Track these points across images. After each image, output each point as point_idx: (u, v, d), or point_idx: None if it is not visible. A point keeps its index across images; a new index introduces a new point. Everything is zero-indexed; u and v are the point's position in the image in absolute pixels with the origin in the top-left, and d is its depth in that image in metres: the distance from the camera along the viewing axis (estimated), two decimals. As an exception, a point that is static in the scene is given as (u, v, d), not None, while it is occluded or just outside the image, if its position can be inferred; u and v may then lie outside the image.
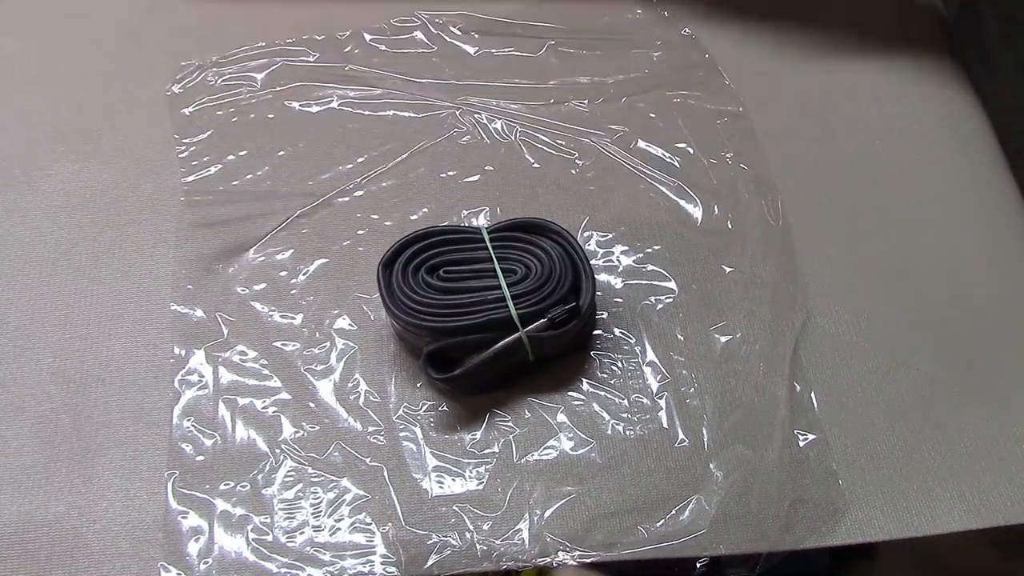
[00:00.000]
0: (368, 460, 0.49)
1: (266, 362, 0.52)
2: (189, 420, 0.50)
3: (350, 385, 0.51)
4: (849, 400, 0.51)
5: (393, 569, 0.46)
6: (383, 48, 0.63)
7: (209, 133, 0.59)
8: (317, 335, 0.52)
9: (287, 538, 0.46)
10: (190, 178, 0.57)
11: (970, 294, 0.55)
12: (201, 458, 0.49)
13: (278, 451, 0.49)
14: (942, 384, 0.52)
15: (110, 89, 0.62)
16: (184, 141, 0.59)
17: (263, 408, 0.50)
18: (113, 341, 0.52)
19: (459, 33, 0.64)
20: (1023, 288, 0.55)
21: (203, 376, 0.51)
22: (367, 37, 0.63)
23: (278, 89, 0.61)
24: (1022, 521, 0.48)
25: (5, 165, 0.58)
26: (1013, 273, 0.56)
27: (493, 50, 0.63)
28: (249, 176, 0.58)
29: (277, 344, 0.52)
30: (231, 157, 0.58)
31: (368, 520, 0.47)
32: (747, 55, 0.64)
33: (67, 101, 0.61)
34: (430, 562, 0.46)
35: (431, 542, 0.46)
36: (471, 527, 0.47)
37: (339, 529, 0.47)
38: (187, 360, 0.52)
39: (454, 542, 0.46)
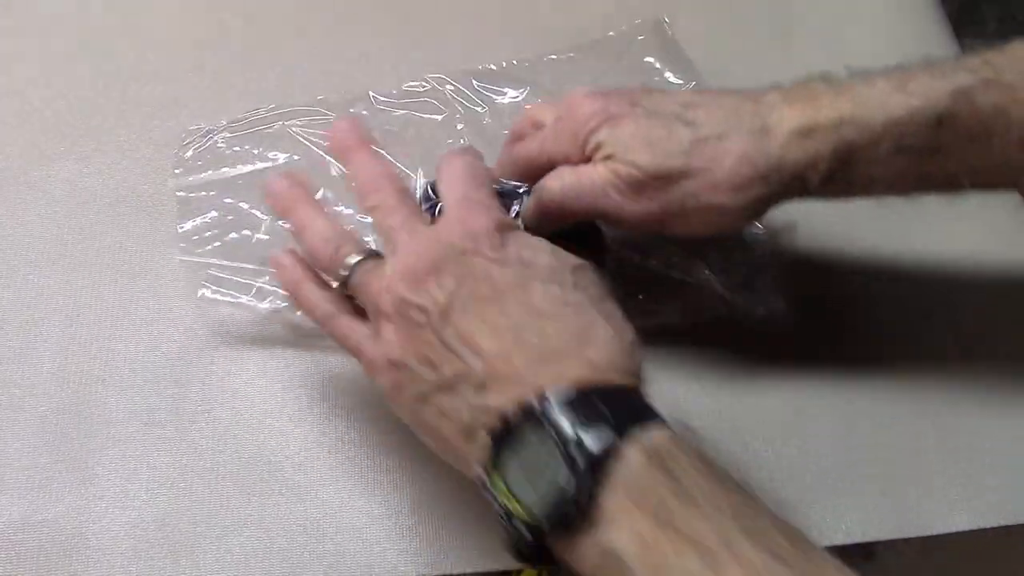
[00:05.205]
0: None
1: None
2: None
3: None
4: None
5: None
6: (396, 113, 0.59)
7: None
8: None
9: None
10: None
11: (973, 295, 0.56)
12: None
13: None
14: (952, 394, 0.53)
15: (110, 89, 0.62)
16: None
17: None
18: (114, 342, 0.52)
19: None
20: (1024, 290, 0.56)
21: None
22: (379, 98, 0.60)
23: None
24: (1022, 521, 0.48)
25: (5, 165, 0.58)
26: (1016, 275, 0.57)
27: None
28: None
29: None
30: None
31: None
32: (744, 68, 0.63)
33: (67, 101, 0.61)
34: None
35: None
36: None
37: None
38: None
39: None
